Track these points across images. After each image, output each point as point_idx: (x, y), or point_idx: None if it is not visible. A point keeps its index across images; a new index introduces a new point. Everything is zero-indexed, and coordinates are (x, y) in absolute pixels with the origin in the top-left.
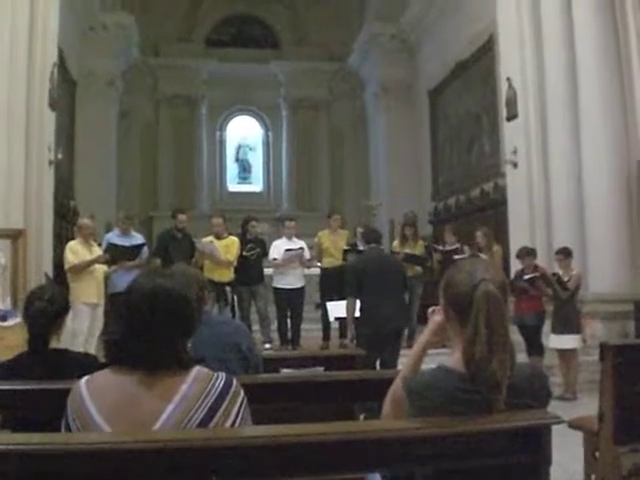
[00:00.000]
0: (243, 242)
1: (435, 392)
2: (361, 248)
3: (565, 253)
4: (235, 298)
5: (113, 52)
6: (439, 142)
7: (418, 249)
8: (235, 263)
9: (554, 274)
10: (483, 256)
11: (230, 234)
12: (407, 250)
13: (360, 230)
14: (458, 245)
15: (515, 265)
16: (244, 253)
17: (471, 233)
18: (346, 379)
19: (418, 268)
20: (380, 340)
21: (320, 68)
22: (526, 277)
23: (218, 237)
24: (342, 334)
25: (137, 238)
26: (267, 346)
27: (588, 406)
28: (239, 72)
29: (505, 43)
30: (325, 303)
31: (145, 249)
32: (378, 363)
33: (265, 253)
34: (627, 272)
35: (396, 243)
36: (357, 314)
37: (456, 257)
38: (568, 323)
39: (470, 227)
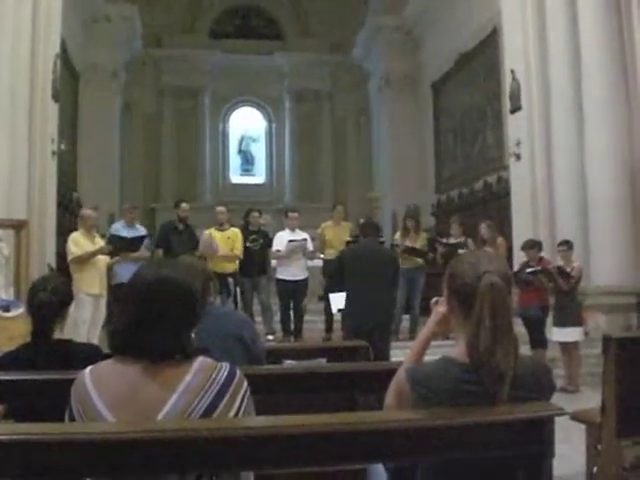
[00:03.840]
0: (246, 233)
1: (438, 383)
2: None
3: (568, 245)
4: (238, 289)
5: (116, 43)
6: (442, 134)
7: (420, 241)
8: (241, 255)
9: (558, 267)
10: (487, 249)
11: (232, 225)
12: (408, 243)
13: (362, 221)
14: (462, 239)
15: (519, 257)
16: (247, 244)
17: (474, 226)
18: (349, 370)
19: (419, 260)
20: (365, 333)
21: (323, 60)
22: (528, 270)
23: (219, 229)
24: (344, 326)
25: (140, 230)
26: (270, 337)
27: (591, 399)
28: (242, 64)
29: (509, 35)
30: (328, 295)
31: (146, 241)
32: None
33: (268, 244)
34: (630, 264)
35: (397, 235)
36: (342, 306)
37: (460, 252)
38: (570, 316)
39: (473, 220)
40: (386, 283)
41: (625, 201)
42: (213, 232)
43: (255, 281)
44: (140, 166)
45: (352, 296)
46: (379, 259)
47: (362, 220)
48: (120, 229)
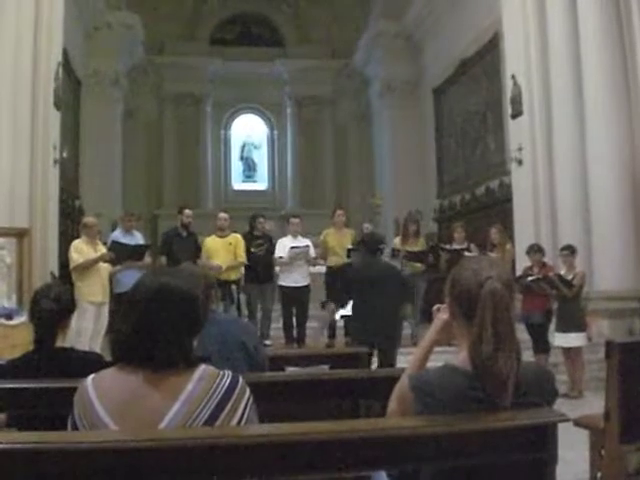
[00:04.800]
0: (251, 238)
1: (441, 390)
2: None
3: (571, 250)
4: (242, 297)
5: (118, 51)
6: (444, 140)
7: (419, 247)
8: (245, 261)
9: (558, 275)
10: (493, 254)
11: (235, 231)
12: (407, 248)
13: (366, 226)
14: (465, 244)
15: (522, 262)
16: (252, 249)
17: (476, 231)
18: (351, 377)
19: (419, 265)
20: (371, 344)
21: (324, 66)
22: (529, 279)
23: (220, 235)
24: (347, 332)
25: (137, 237)
26: (267, 342)
27: (594, 404)
28: (244, 70)
29: (510, 40)
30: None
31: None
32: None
33: (273, 250)
34: (633, 269)
35: (397, 240)
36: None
37: (467, 254)
38: (573, 321)
39: (475, 225)
40: (393, 302)
41: (627, 206)
42: (214, 239)
43: (262, 288)
44: (142, 173)
45: (357, 313)
46: (386, 280)
47: (367, 224)
48: (119, 237)
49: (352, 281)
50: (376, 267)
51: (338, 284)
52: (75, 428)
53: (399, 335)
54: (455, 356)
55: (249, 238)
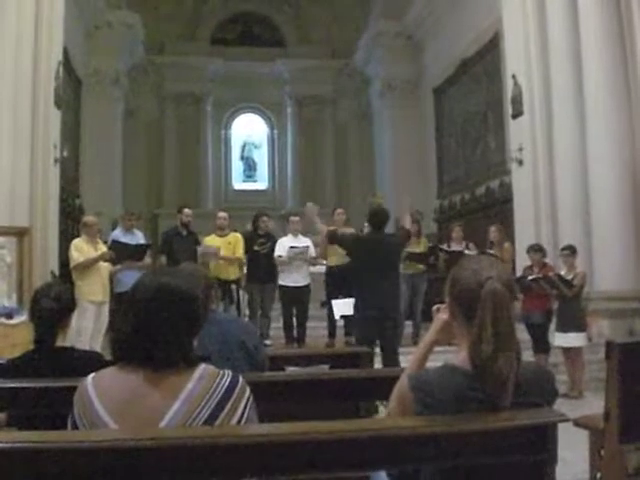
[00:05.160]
0: (254, 237)
1: (441, 390)
2: None
3: (571, 250)
4: (242, 296)
5: (118, 50)
6: (444, 140)
7: (422, 246)
8: (244, 259)
9: (558, 275)
10: (491, 251)
11: (235, 230)
12: (409, 249)
13: (367, 224)
14: (463, 244)
15: (522, 261)
16: (255, 248)
17: (475, 231)
18: (351, 377)
19: (421, 266)
20: (376, 329)
21: (325, 66)
22: (530, 278)
23: (220, 234)
24: (347, 332)
25: (138, 236)
26: (267, 342)
27: (594, 404)
28: (244, 70)
29: (510, 40)
30: (331, 301)
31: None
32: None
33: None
34: (633, 269)
35: None
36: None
37: (466, 252)
38: (573, 321)
39: (475, 225)
40: (392, 273)
41: (628, 205)
42: (213, 238)
43: (262, 288)
44: (143, 172)
45: (360, 292)
46: (385, 250)
47: (366, 224)
48: (120, 236)
49: (357, 244)
50: (377, 238)
51: (345, 243)
52: (75, 427)
53: (401, 332)
54: (455, 356)
55: (252, 237)
